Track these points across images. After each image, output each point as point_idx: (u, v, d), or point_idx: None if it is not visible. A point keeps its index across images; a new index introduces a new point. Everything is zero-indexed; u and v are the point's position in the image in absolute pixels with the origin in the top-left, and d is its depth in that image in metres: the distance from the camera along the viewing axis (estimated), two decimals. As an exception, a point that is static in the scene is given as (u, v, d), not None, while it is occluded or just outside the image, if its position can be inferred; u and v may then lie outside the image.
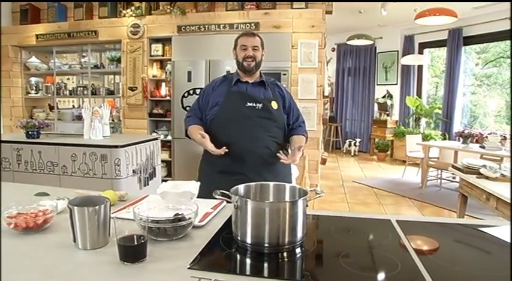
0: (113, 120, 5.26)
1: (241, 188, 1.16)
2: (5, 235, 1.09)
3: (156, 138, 3.73)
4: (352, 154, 8.55)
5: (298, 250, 1.06)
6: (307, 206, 1.07)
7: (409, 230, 1.22)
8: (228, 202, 1.11)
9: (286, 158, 1.80)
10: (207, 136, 1.83)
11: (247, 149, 1.87)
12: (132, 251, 0.93)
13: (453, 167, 3.33)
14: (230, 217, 1.19)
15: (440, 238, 1.21)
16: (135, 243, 0.94)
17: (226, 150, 1.81)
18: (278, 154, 1.81)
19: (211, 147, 1.81)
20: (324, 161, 4.59)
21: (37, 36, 5.33)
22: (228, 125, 1.90)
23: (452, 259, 1.05)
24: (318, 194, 1.11)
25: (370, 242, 1.17)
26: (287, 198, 1.19)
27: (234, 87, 1.98)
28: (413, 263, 0.98)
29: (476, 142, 5.65)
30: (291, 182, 2.06)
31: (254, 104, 1.92)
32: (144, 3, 5.00)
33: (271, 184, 1.22)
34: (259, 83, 2.02)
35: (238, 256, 1.04)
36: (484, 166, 2.92)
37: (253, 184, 1.20)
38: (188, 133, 2.04)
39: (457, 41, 7.04)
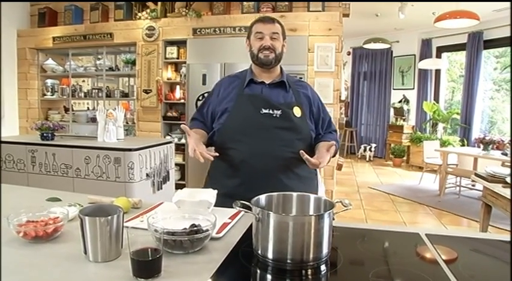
0: (127, 122, 5.25)
1: (262, 198, 1.08)
2: (13, 244, 1.04)
3: (170, 142, 3.68)
4: (367, 159, 8.40)
5: (323, 267, 0.98)
6: (333, 219, 0.99)
7: (441, 245, 1.13)
8: (246, 212, 1.03)
9: (311, 159, 1.41)
10: (192, 133, 1.47)
11: (261, 169, 1.49)
12: (146, 267, 0.87)
13: (476, 175, 3.21)
14: (249, 228, 1.12)
15: (475, 255, 1.11)
16: (150, 258, 0.87)
17: (217, 155, 1.48)
18: (301, 151, 1.42)
19: (193, 145, 1.39)
20: (339, 167, 4.49)
21: (54, 38, 5.37)
22: (237, 138, 1.53)
23: (495, 278, 0.96)
24: (345, 206, 1.03)
25: (399, 258, 1.08)
26: (311, 210, 1.11)
27: (246, 89, 1.61)
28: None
29: (497, 148, 5.46)
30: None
31: (271, 111, 1.53)
32: (159, 5, 4.99)
33: (295, 194, 1.14)
34: (279, 83, 1.63)
35: (258, 272, 0.96)
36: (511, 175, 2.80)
37: (275, 194, 1.12)
38: None
39: (477, 44, 6.85)
